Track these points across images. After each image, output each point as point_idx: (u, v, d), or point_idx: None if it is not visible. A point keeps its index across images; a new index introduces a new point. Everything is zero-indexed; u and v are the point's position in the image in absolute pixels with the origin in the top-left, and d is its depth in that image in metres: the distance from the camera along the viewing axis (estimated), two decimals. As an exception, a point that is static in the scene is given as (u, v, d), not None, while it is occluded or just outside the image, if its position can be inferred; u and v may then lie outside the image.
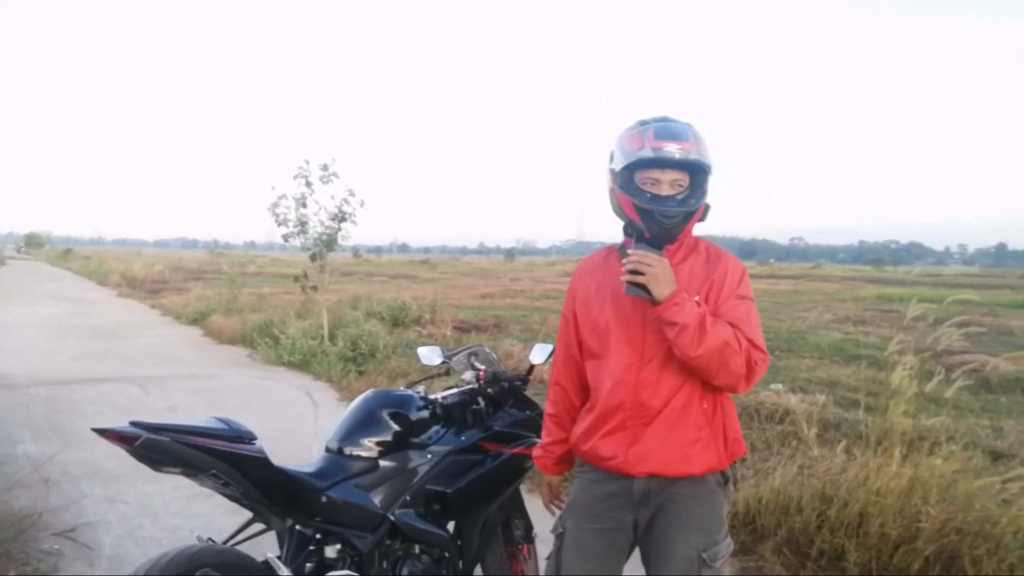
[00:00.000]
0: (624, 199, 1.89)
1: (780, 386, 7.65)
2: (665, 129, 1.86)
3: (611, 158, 1.96)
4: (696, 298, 1.82)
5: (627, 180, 1.89)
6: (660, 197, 1.86)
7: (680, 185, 1.88)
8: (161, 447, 2.02)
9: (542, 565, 2.42)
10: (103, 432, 1.99)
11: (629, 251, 1.80)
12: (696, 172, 1.88)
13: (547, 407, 2.22)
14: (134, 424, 2.02)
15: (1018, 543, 3.17)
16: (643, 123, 1.92)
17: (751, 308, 1.91)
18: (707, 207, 1.93)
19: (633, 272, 1.75)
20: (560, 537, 2.04)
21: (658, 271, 1.74)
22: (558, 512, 2.16)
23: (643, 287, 1.75)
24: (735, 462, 2.02)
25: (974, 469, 3.70)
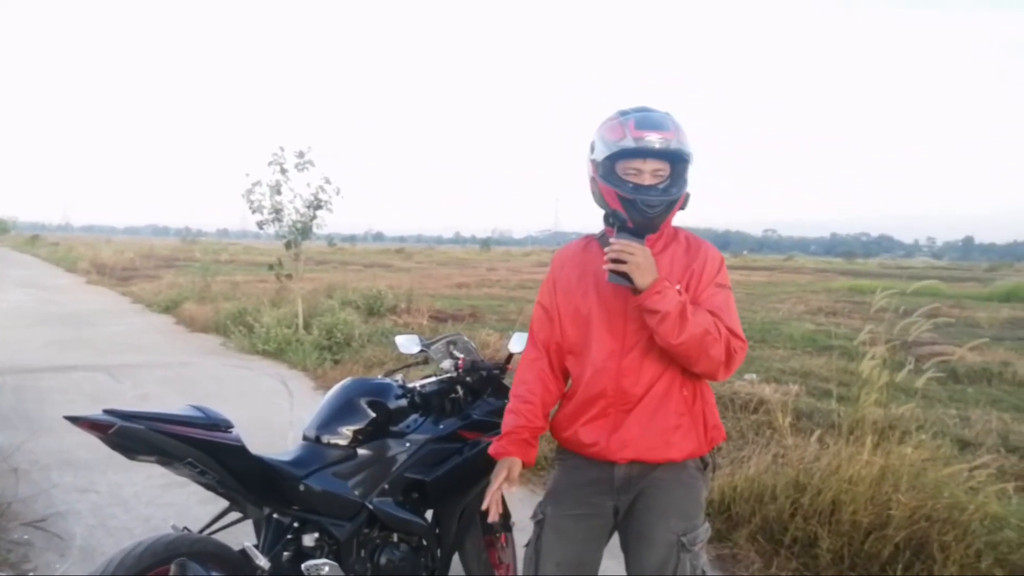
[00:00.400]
0: (607, 189, 1.90)
1: (754, 376, 7.74)
2: (646, 119, 1.88)
3: (592, 148, 1.97)
4: (677, 287, 1.85)
5: (609, 170, 1.91)
6: (643, 187, 1.88)
7: (661, 175, 1.90)
8: (136, 435, 1.99)
9: (520, 553, 2.42)
10: (76, 420, 1.96)
11: (611, 240, 1.81)
12: (677, 161, 1.90)
13: (515, 399, 2.10)
14: (108, 412, 1.99)
15: (985, 529, 3.24)
16: (623, 113, 1.93)
17: (729, 296, 1.95)
18: (687, 196, 1.95)
19: (615, 261, 1.76)
20: (540, 524, 2.05)
21: (640, 260, 1.75)
22: (531, 501, 2.14)
23: (625, 275, 1.77)
24: (714, 448, 2.05)
25: (943, 457, 3.77)
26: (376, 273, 23.42)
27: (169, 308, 13.96)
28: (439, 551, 2.69)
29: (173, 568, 1.97)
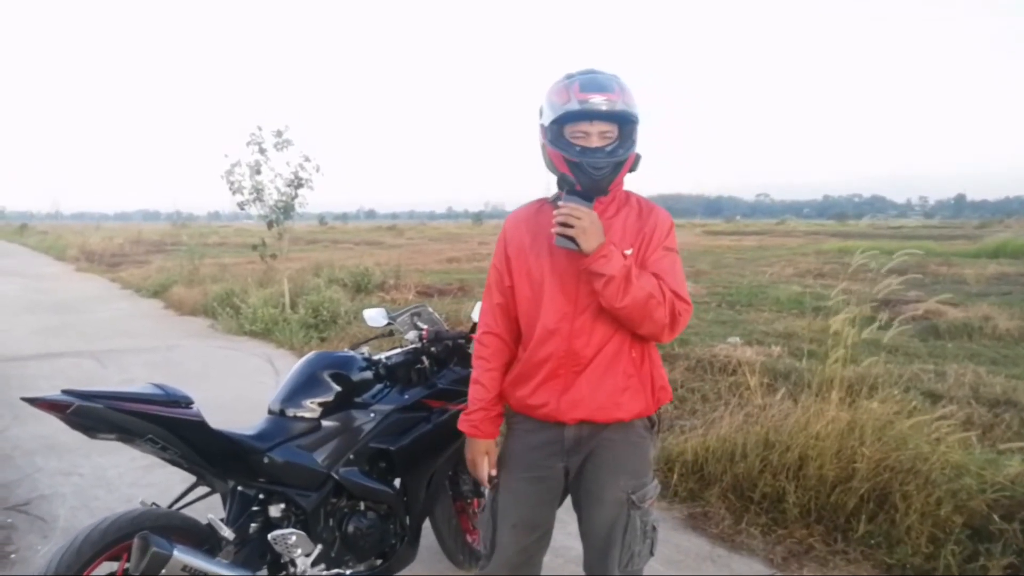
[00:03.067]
0: (554, 153, 1.90)
1: (737, 339, 7.82)
2: (591, 81, 1.87)
3: (540, 113, 1.97)
4: (627, 251, 1.87)
5: (557, 134, 1.91)
6: (589, 149, 1.87)
7: (608, 137, 1.89)
8: (94, 414, 2.02)
9: None
10: (34, 401, 2.00)
11: (559, 204, 1.82)
12: (624, 123, 1.90)
13: (480, 362, 2.11)
14: (66, 392, 2.02)
15: (946, 478, 3.32)
16: (569, 77, 1.92)
17: (676, 260, 1.97)
18: (638, 157, 1.95)
19: (563, 225, 1.78)
20: (495, 488, 2.10)
21: (587, 224, 1.77)
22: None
23: (572, 239, 1.78)
24: (661, 408, 2.09)
25: (910, 411, 3.84)
26: (366, 251, 23.40)
27: (158, 292, 13.95)
28: (408, 519, 2.75)
29: (136, 541, 2.01)
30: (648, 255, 1.93)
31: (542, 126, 1.95)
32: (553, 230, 1.81)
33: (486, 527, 2.12)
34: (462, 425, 2.11)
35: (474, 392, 2.11)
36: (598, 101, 1.84)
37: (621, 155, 1.89)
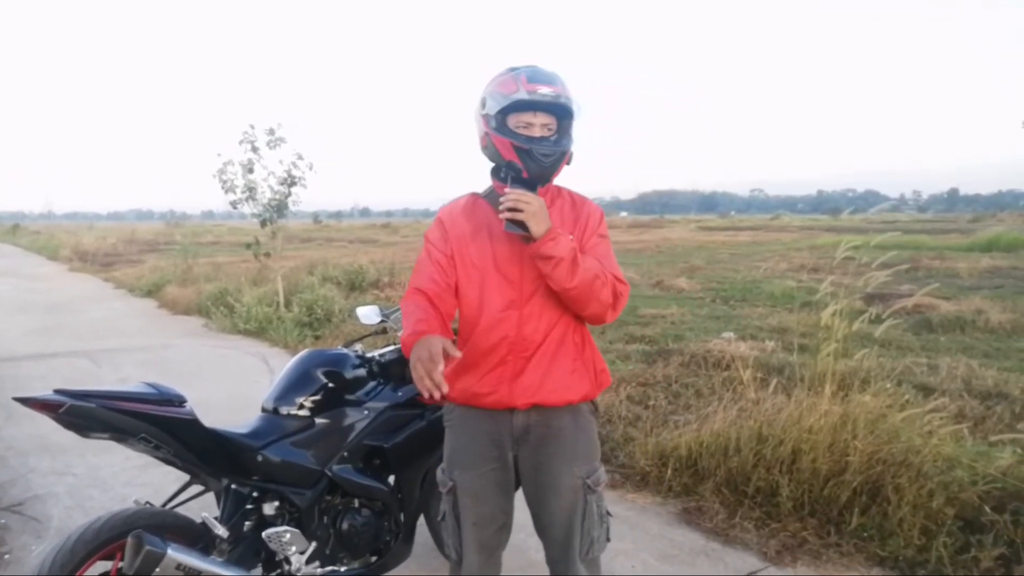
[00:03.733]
0: (501, 141, 1.95)
1: (731, 334, 7.83)
2: (537, 73, 1.95)
3: (482, 104, 2.01)
4: (570, 236, 1.93)
5: (501, 123, 1.96)
6: (535, 138, 1.95)
7: (550, 128, 1.97)
8: (87, 413, 2.03)
9: None
10: (26, 401, 2.00)
11: (507, 190, 1.87)
12: (564, 116, 1.98)
13: (416, 303, 2.00)
14: (59, 392, 2.02)
15: (937, 470, 3.33)
16: (514, 69, 1.99)
17: (609, 246, 2.08)
18: (571, 154, 2.01)
19: (511, 210, 1.83)
20: (452, 491, 2.09)
21: (535, 208, 1.82)
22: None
23: (521, 224, 1.83)
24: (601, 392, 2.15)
25: (903, 404, 3.86)
26: (360, 248, 23.37)
27: (151, 292, 13.92)
28: (402, 515, 2.75)
29: (130, 540, 2.02)
30: (585, 242, 2.02)
31: (485, 116, 2.00)
32: (502, 215, 1.85)
33: (452, 532, 2.12)
34: (406, 342, 1.87)
35: (411, 318, 1.95)
36: (546, 92, 1.92)
37: (565, 145, 1.97)
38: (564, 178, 2.08)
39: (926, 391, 5.10)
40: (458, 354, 1.76)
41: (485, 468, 2.06)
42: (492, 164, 2.06)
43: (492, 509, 2.07)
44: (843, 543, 3.28)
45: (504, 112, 1.95)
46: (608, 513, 2.11)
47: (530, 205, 1.81)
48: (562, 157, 1.97)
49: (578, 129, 2.01)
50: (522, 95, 1.91)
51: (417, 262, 2.14)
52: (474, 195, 2.15)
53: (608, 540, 2.11)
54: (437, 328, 1.90)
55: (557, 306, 1.99)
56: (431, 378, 1.68)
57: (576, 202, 2.09)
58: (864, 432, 3.51)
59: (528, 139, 1.94)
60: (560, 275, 1.86)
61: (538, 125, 1.96)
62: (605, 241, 2.06)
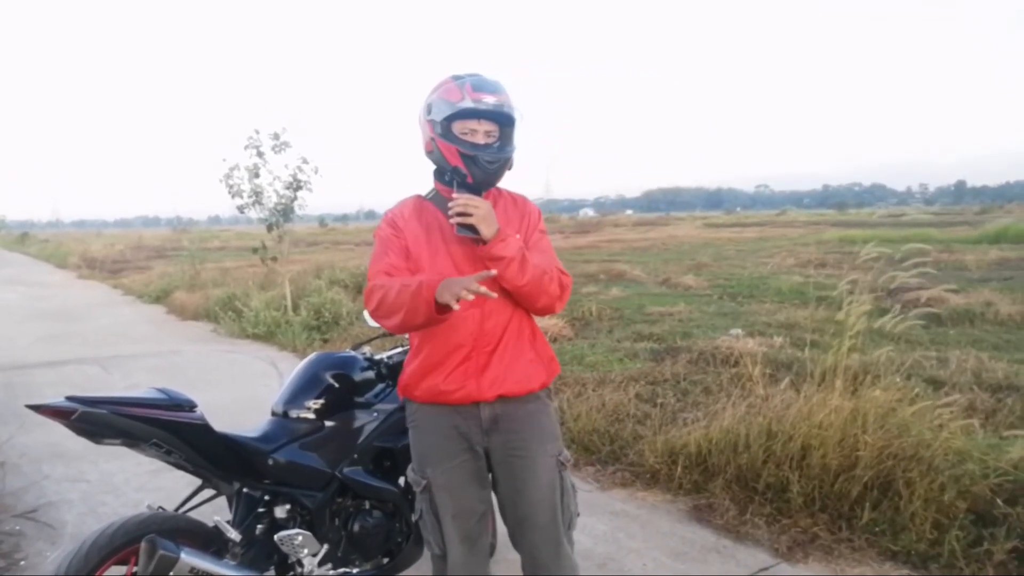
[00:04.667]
0: (447, 147, 2.03)
1: (739, 331, 7.82)
2: (482, 83, 2.04)
3: (428, 110, 2.07)
4: (517, 236, 2.05)
5: (447, 130, 2.04)
6: (479, 145, 2.04)
7: (492, 136, 2.07)
8: (98, 419, 2.04)
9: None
10: (38, 408, 2.01)
11: (455, 195, 1.95)
12: (506, 123, 2.08)
13: (399, 279, 2.00)
14: (70, 399, 2.04)
15: (949, 464, 3.32)
16: (458, 77, 2.06)
17: (549, 240, 2.21)
18: (513, 159, 2.11)
19: (461, 215, 1.91)
20: (427, 488, 2.14)
21: (484, 212, 1.92)
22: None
23: (471, 227, 1.93)
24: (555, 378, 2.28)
25: (913, 398, 3.84)
26: (367, 251, 23.40)
27: (160, 298, 13.99)
28: (412, 516, 2.76)
29: (143, 545, 2.03)
30: (528, 237, 2.14)
31: (431, 121, 2.06)
32: (452, 220, 1.94)
33: (431, 529, 2.16)
34: (430, 284, 1.85)
35: (411, 279, 1.96)
36: (490, 101, 2.01)
37: (508, 152, 2.07)
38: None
39: (936, 385, 5.09)
40: (493, 295, 1.86)
41: (457, 461, 2.12)
42: (435, 167, 2.14)
43: (470, 501, 2.13)
44: (854, 538, 3.27)
45: (449, 119, 2.03)
46: (574, 487, 2.24)
47: (479, 209, 1.91)
48: (505, 163, 2.07)
49: (519, 135, 2.11)
50: (467, 104, 2.00)
51: (373, 256, 2.15)
52: (419, 197, 2.21)
53: (578, 513, 2.24)
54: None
55: (509, 301, 2.09)
56: (471, 286, 1.78)
57: (517, 201, 2.21)
58: (874, 427, 3.50)
59: (473, 146, 2.02)
60: (512, 274, 1.97)
61: (481, 132, 2.04)
62: (545, 237, 2.19)
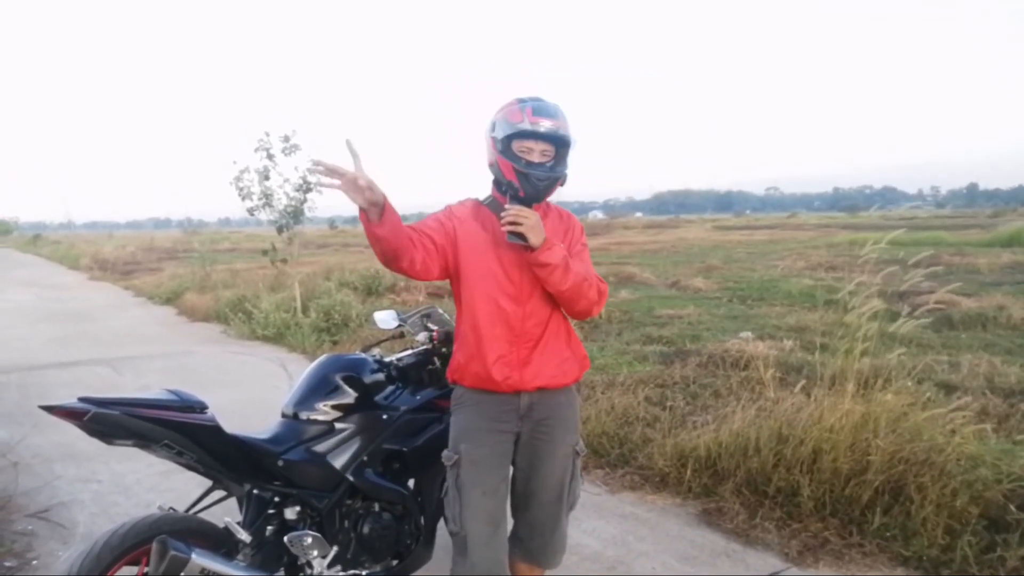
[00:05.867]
0: (504, 163, 2.23)
1: (749, 334, 7.79)
2: (541, 108, 2.23)
3: (492, 127, 2.28)
4: (561, 244, 2.22)
5: (506, 147, 2.23)
6: (533, 164, 2.22)
7: (548, 155, 2.25)
8: (111, 420, 2.05)
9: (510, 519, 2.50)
10: (51, 409, 2.02)
11: (507, 207, 2.13)
12: (561, 145, 2.26)
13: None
14: (82, 400, 2.05)
15: (961, 469, 3.30)
16: (521, 101, 2.26)
17: (588, 252, 2.43)
18: (565, 177, 2.29)
19: (512, 223, 2.09)
20: (457, 464, 2.30)
21: (533, 223, 2.10)
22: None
23: (520, 236, 2.11)
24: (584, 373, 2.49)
25: (925, 402, 3.82)
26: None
27: (170, 299, 14.07)
28: (423, 519, 2.77)
29: (154, 545, 2.04)
30: (571, 248, 2.33)
31: (494, 138, 2.27)
32: (504, 228, 2.12)
33: (453, 504, 2.30)
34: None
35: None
36: (546, 124, 2.21)
37: (559, 172, 2.26)
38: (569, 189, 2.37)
39: (948, 389, 5.06)
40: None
41: (491, 441, 2.31)
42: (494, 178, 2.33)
43: (496, 480, 2.31)
44: (865, 543, 3.26)
45: (509, 138, 2.22)
46: (581, 475, 2.50)
47: (528, 220, 2.09)
48: (555, 182, 2.26)
49: (573, 157, 2.30)
50: (526, 126, 2.20)
51: (427, 226, 2.31)
52: (477, 201, 2.40)
53: (579, 497, 2.49)
54: (399, 222, 2.09)
55: (550, 304, 2.30)
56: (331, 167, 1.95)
57: (563, 216, 2.43)
58: (886, 431, 3.49)
59: (528, 164, 2.22)
60: (556, 279, 2.17)
61: (537, 151, 2.24)
62: (586, 249, 2.41)
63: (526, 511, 2.42)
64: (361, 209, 2.00)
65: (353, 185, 1.95)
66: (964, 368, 5.67)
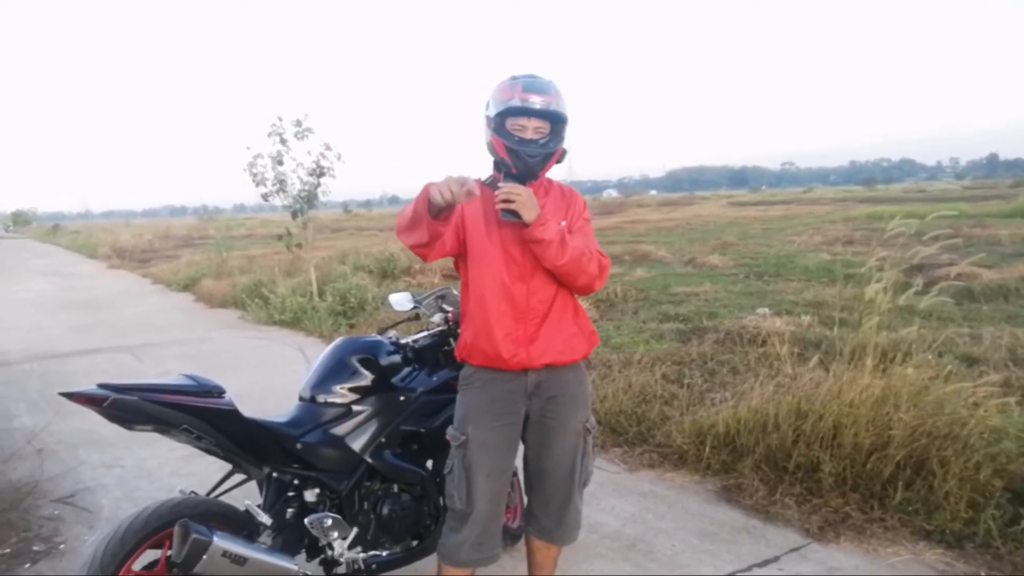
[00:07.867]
0: (497, 140, 2.23)
1: (766, 310, 7.74)
2: (532, 84, 2.21)
3: (487, 106, 2.28)
4: (563, 223, 2.23)
5: (500, 125, 2.23)
6: (525, 140, 2.22)
7: (542, 132, 2.23)
8: (130, 406, 2.07)
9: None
10: (72, 396, 2.04)
11: (500, 184, 2.11)
12: (555, 121, 2.24)
13: None
14: (101, 386, 2.06)
15: (984, 442, 3.27)
16: (514, 78, 2.25)
17: (591, 227, 2.39)
18: (564, 152, 2.29)
19: (505, 201, 2.07)
20: (464, 444, 2.29)
21: (525, 199, 2.08)
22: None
23: (514, 213, 2.08)
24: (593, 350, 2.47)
25: (947, 375, 3.77)
26: (391, 236, 23.50)
27: (188, 286, 14.16)
28: (441, 499, 2.77)
29: (177, 529, 2.06)
30: (573, 224, 2.32)
31: (488, 117, 2.27)
32: (497, 206, 2.10)
33: (459, 483, 2.29)
34: (430, 194, 1.98)
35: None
36: (536, 101, 2.18)
37: (551, 148, 2.24)
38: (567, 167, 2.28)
39: (970, 362, 5.00)
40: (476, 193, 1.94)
41: (499, 423, 2.29)
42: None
43: (503, 462, 2.31)
44: (887, 518, 3.23)
45: (503, 115, 2.21)
46: (593, 451, 2.48)
47: (520, 196, 2.07)
48: (548, 158, 2.24)
49: (570, 132, 2.28)
50: (515, 103, 2.19)
51: None
52: (480, 182, 2.33)
53: (591, 472, 2.48)
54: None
55: (555, 281, 2.27)
56: (463, 184, 1.91)
57: (565, 192, 2.40)
58: (907, 405, 3.45)
59: (520, 141, 2.21)
60: (551, 255, 2.15)
61: (531, 128, 2.22)
62: (589, 224, 2.38)
63: (539, 489, 2.42)
64: (432, 202, 1.97)
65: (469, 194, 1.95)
66: (986, 341, 5.59)
